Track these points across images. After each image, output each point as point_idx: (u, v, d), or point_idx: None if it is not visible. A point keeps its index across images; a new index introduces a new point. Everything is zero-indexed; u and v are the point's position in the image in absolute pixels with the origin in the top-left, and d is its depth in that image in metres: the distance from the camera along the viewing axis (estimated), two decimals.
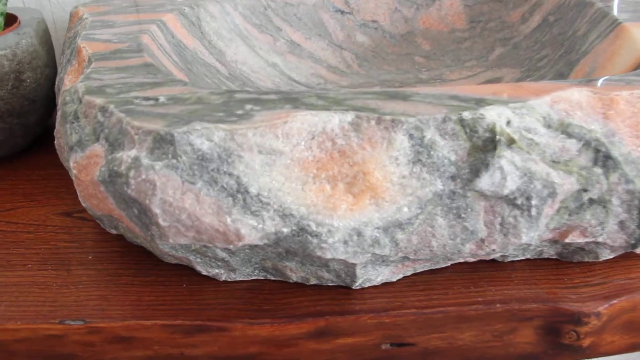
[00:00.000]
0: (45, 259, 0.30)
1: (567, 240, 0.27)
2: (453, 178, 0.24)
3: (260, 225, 0.23)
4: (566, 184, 0.24)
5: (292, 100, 0.25)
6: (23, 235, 0.32)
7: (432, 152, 0.23)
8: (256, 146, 0.23)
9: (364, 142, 0.23)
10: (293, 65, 0.40)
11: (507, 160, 0.23)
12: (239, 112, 0.24)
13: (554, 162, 0.24)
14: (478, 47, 0.41)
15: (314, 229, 0.23)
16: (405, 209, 0.24)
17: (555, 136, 0.24)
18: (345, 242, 0.24)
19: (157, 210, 0.23)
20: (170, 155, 0.23)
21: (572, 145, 0.24)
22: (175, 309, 0.27)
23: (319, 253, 0.24)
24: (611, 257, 0.28)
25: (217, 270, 0.28)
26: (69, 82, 0.32)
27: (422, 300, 0.27)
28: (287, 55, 0.41)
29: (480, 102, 0.24)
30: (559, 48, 0.37)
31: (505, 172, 0.23)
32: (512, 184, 0.24)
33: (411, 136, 0.23)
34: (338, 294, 0.28)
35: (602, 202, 0.25)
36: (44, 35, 0.39)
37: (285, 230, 0.23)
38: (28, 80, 0.36)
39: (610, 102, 0.25)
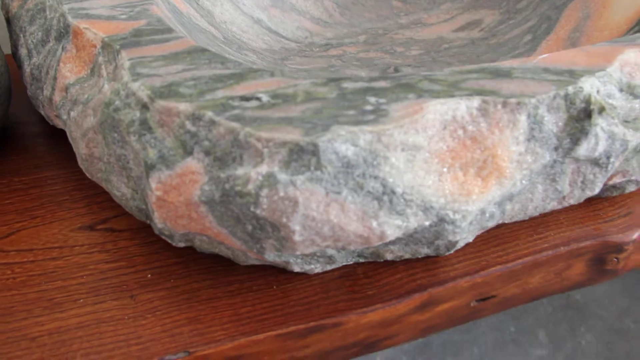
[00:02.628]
0: (95, 289, 0.26)
1: (610, 183, 0.30)
2: (556, 148, 0.25)
3: (405, 224, 0.23)
4: (634, 139, 0.27)
5: (406, 87, 0.23)
6: (49, 264, 0.27)
7: (542, 127, 0.24)
8: (400, 144, 0.22)
9: (492, 127, 0.23)
10: (278, 20, 0.37)
11: (600, 127, 0.25)
12: (368, 107, 0.22)
13: (626, 122, 0.27)
14: None
15: (452, 216, 0.23)
16: (519, 183, 0.25)
17: (626, 98, 0.27)
18: (471, 224, 0.24)
19: (296, 227, 0.21)
20: (312, 167, 0.21)
21: (637, 104, 0.27)
22: (280, 315, 0.26)
23: (450, 238, 0.24)
24: (634, 190, 0.33)
25: (312, 266, 0.26)
26: (72, 74, 0.27)
27: (501, 255, 0.29)
28: (271, 10, 0.37)
29: (573, 74, 0.25)
30: None
31: (599, 138, 0.25)
32: (601, 147, 0.26)
33: (529, 115, 0.24)
34: (427, 265, 0.28)
35: None
36: None
37: (427, 223, 0.23)
38: None
39: None
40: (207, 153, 0.22)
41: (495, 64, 0.25)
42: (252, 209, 0.21)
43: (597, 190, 0.28)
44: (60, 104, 0.27)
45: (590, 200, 0.33)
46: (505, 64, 0.26)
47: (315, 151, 0.21)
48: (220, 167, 0.21)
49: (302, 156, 0.21)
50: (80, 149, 0.26)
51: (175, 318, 0.25)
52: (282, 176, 0.21)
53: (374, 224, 0.22)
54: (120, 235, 0.28)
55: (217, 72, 0.24)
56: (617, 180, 0.30)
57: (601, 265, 0.31)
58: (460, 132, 0.23)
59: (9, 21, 0.32)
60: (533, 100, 0.23)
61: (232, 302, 0.26)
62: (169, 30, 0.26)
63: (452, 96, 0.23)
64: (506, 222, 0.27)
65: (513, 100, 0.23)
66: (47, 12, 0.29)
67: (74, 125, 0.26)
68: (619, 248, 0.31)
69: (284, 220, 0.21)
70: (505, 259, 0.29)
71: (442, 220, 0.23)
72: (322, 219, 0.22)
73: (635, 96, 0.27)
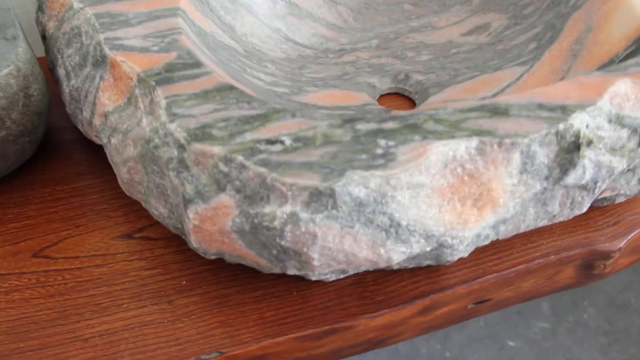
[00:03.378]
0: (137, 294, 0.30)
1: (600, 197, 0.33)
2: (546, 178, 0.28)
3: (409, 250, 0.26)
4: (620, 165, 0.30)
5: (413, 127, 0.26)
6: (95, 271, 0.30)
7: (534, 161, 0.27)
8: (406, 184, 0.25)
9: (488, 164, 0.26)
10: (295, 28, 0.40)
11: (587, 158, 0.28)
12: (379, 151, 0.25)
13: (613, 150, 0.29)
14: None
15: (450, 242, 0.27)
16: (512, 209, 0.28)
17: (614, 128, 0.29)
18: (467, 246, 0.28)
19: (315, 255, 0.25)
20: (330, 207, 0.24)
21: (624, 133, 0.30)
22: (300, 319, 0.29)
23: (449, 258, 0.28)
24: (623, 200, 0.35)
25: (327, 276, 0.30)
26: (111, 102, 0.29)
27: (497, 263, 0.32)
28: (288, 18, 0.39)
29: (565, 110, 0.28)
30: None
31: (586, 168, 0.28)
32: (588, 176, 0.29)
33: (522, 152, 0.26)
34: (429, 273, 0.32)
35: (633, 169, 0.32)
36: (23, 32, 0.33)
37: (428, 248, 0.26)
38: (35, 94, 0.31)
39: None
40: (238, 191, 0.25)
41: (494, 101, 0.28)
42: (277, 240, 0.25)
43: (585, 209, 0.31)
44: (101, 129, 0.30)
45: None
46: (503, 100, 0.28)
47: (332, 194, 0.24)
48: (249, 204, 0.25)
49: (320, 198, 0.24)
50: (122, 173, 0.29)
51: (208, 321, 0.29)
52: (304, 215, 0.24)
53: (382, 251, 0.25)
54: (156, 244, 0.32)
55: (244, 113, 0.26)
56: (607, 194, 0.33)
57: (589, 270, 0.35)
58: (459, 169, 0.26)
59: (44, 38, 0.35)
60: (526, 140, 0.26)
61: (258, 307, 0.30)
62: (198, 64, 0.29)
63: (453, 137, 0.26)
64: (500, 239, 0.30)
65: (508, 140, 0.26)
66: (83, 38, 0.31)
67: (115, 151, 0.29)
68: (606, 255, 0.34)
69: (305, 249, 0.25)
70: (500, 267, 0.32)
71: (441, 245, 0.26)
72: (338, 248, 0.25)
73: (623, 126, 0.30)
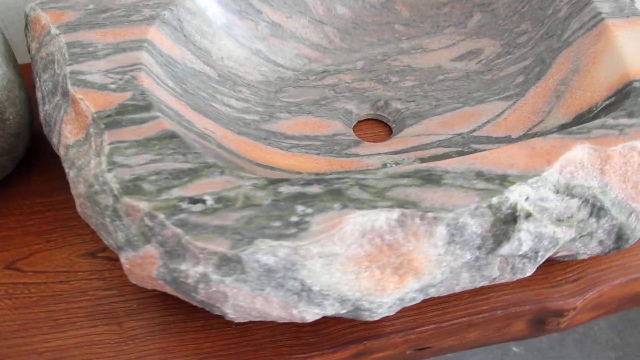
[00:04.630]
0: (91, 313, 0.32)
1: (556, 255, 0.32)
2: (479, 247, 0.27)
3: (323, 312, 0.27)
4: (567, 235, 0.29)
5: (336, 193, 0.26)
6: (58, 287, 0.33)
7: (463, 232, 0.27)
8: (317, 254, 0.25)
9: (409, 236, 0.26)
10: (277, 49, 0.39)
11: (524, 231, 0.27)
12: (294, 219, 0.25)
13: (559, 220, 0.28)
14: (456, 12, 0.41)
15: (367, 306, 0.27)
16: (439, 276, 0.28)
17: (561, 199, 0.28)
18: (390, 307, 0.28)
19: (228, 310, 0.26)
20: (239, 272, 0.25)
21: (574, 203, 0.28)
22: (234, 353, 0.31)
23: (368, 319, 0.28)
24: (586, 257, 0.34)
25: None
26: (72, 135, 0.31)
27: (438, 314, 0.32)
28: (270, 39, 0.39)
29: (504, 181, 0.27)
30: (539, 26, 0.38)
31: (522, 240, 0.27)
32: (526, 247, 0.28)
33: (448, 225, 0.26)
34: None
35: (589, 235, 0.30)
36: (6, 52, 0.35)
37: (343, 311, 0.27)
38: (11, 118, 0.33)
39: (607, 158, 0.29)
40: (161, 245, 0.26)
41: (431, 166, 0.27)
42: (193, 294, 0.26)
43: (529, 273, 0.30)
44: (64, 159, 0.32)
45: (544, 262, 0.35)
46: (441, 166, 0.27)
47: (239, 261, 0.25)
48: (169, 258, 0.26)
49: (229, 263, 0.25)
50: (77, 203, 0.31)
51: (150, 347, 0.31)
52: (214, 276, 0.25)
53: (295, 311, 0.26)
54: (116, 264, 0.34)
55: (177, 166, 0.27)
56: (563, 253, 0.32)
57: (542, 325, 0.34)
58: (378, 240, 0.26)
59: (30, 56, 0.37)
60: (451, 215, 0.26)
61: (197, 337, 0.31)
62: (148, 107, 0.30)
63: (375, 207, 0.26)
64: (435, 296, 0.30)
65: (430, 215, 0.26)
66: (56, 66, 0.33)
67: (72, 183, 0.31)
68: (559, 313, 0.33)
69: (219, 305, 0.26)
70: (442, 319, 0.32)
71: (358, 308, 0.27)
72: (250, 307, 0.26)
73: (573, 196, 0.28)
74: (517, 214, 0.27)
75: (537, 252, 0.29)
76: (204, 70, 0.36)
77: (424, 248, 0.26)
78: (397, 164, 0.35)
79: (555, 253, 0.32)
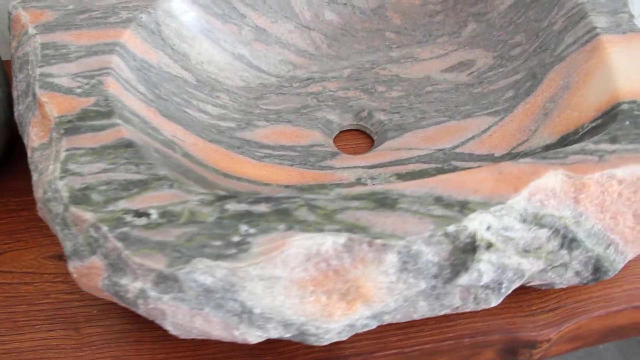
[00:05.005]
0: (51, 317, 0.32)
1: (528, 285, 0.30)
2: (435, 276, 0.26)
3: (265, 334, 0.26)
4: (534, 267, 0.27)
5: (283, 214, 0.25)
6: (22, 288, 0.33)
7: (417, 260, 0.25)
8: (257, 277, 0.24)
9: (356, 262, 0.25)
10: (260, 54, 0.39)
11: (484, 262, 0.26)
12: (236, 238, 0.24)
13: (525, 251, 0.27)
14: (450, 21, 0.40)
15: (313, 331, 0.26)
16: (392, 304, 0.26)
17: (528, 229, 0.26)
18: (339, 333, 0.27)
19: (169, 327, 0.25)
20: (176, 290, 0.24)
21: (543, 234, 0.27)
22: None
23: (316, 344, 0.27)
24: (565, 286, 0.32)
25: None
26: (37, 138, 0.31)
27: (402, 339, 0.31)
28: (254, 44, 0.39)
29: (464, 208, 0.25)
30: (534, 38, 0.36)
31: (482, 272, 0.26)
32: (487, 278, 0.26)
33: (399, 252, 0.25)
34: None
35: (563, 266, 0.29)
36: None
37: (287, 335, 0.26)
38: None
39: (582, 186, 0.27)
40: (105, 256, 0.26)
41: (388, 189, 0.26)
42: (133, 308, 0.25)
43: (495, 304, 0.28)
44: (30, 161, 0.32)
45: (520, 289, 0.33)
46: (398, 188, 0.26)
47: (176, 279, 0.24)
48: (112, 271, 0.25)
49: (167, 281, 0.24)
50: (37, 207, 0.31)
51: (105, 354, 0.31)
52: (152, 293, 0.24)
53: (236, 332, 0.26)
54: None
55: (128, 177, 0.27)
56: (536, 283, 0.30)
57: (513, 355, 0.32)
58: (323, 264, 0.25)
59: (11, 54, 0.37)
60: (401, 243, 0.24)
61: (153, 347, 0.31)
62: (110, 114, 0.29)
63: (321, 230, 0.25)
64: (393, 322, 0.29)
65: (379, 241, 0.24)
66: (29, 67, 0.33)
67: (34, 187, 0.31)
68: (531, 344, 0.31)
69: (159, 321, 0.25)
70: (404, 344, 0.31)
71: (303, 333, 0.26)
72: (189, 325, 0.25)
73: (542, 226, 0.27)
74: (477, 243, 0.25)
75: (500, 284, 0.27)
76: (181, 74, 0.36)
77: (373, 275, 0.25)
78: (372, 178, 0.34)
79: (528, 282, 0.30)
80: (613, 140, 0.29)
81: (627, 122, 0.29)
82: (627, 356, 0.68)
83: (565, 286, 0.31)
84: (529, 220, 0.26)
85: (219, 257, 0.24)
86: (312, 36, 0.40)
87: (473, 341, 0.31)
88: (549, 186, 0.27)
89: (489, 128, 0.35)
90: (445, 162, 0.34)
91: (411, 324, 0.31)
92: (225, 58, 0.38)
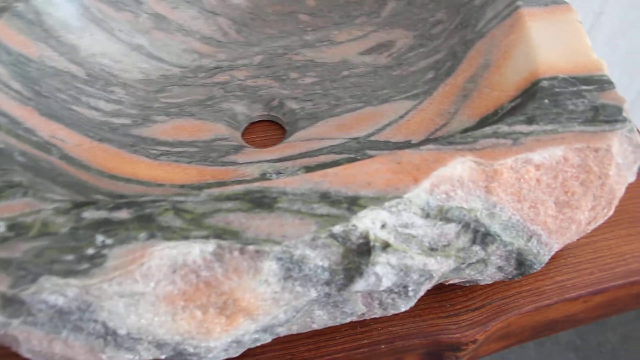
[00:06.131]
0: None
1: (448, 283, 0.28)
2: (327, 283, 0.23)
3: (137, 357, 0.23)
4: (444, 266, 0.24)
5: (146, 220, 0.22)
6: None
7: (303, 267, 0.22)
8: (116, 294, 0.21)
9: (229, 273, 0.22)
10: (161, 44, 0.35)
11: (381, 265, 0.23)
12: (90, 251, 0.21)
13: (431, 249, 0.24)
14: (369, 0, 0.36)
15: (192, 350, 0.23)
16: (282, 315, 0.23)
17: (433, 225, 0.23)
18: (226, 350, 0.24)
19: (28, 355, 0.22)
20: (25, 313, 0.21)
21: (451, 229, 0.24)
22: None
23: None
24: (490, 282, 0.29)
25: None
26: None
27: (311, 349, 0.28)
28: (153, 32, 0.35)
29: (354, 203, 0.22)
30: (455, 15, 0.34)
31: (381, 275, 0.23)
32: (388, 282, 0.23)
33: (279, 259, 0.22)
34: None
35: (482, 262, 0.26)
36: None
37: (163, 356, 0.23)
38: None
39: (493, 173, 0.24)
40: None
41: (265, 185, 0.23)
42: None
43: (405, 308, 0.26)
44: None
45: (443, 287, 0.30)
46: (279, 185, 0.23)
47: (22, 302, 0.21)
48: None
49: (12, 304, 0.21)
50: None
51: None
52: (0, 318, 0.21)
53: (104, 356, 0.22)
54: None
55: None
56: (455, 281, 0.28)
57: (439, 358, 0.30)
58: (192, 276, 0.22)
59: None
60: (278, 248, 0.21)
61: None
62: None
63: (187, 238, 0.21)
64: (293, 333, 0.26)
65: (252, 248, 0.21)
66: None
67: None
68: (455, 347, 0.29)
69: (15, 348, 0.22)
70: (314, 354, 0.28)
71: (180, 353, 0.23)
72: (49, 352, 0.22)
73: (448, 220, 0.24)
74: (372, 244, 0.22)
75: (405, 287, 0.24)
76: (68, 69, 0.32)
77: (251, 286, 0.22)
78: (278, 173, 0.31)
79: (447, 280, 0.27)
80: (530, 120, 0.26)
81: (546, 101, 0.27)
82: (583, 336, 0.66)
83: (490, 282, 0.29)
84: (432, 215, 0.23)
85: (69, 273, 0.21)
86: (219, 22, 0.36)
87: (391, 347, 0.28)
88: (455, 175, 0.24)
89: (407, 113, 0.32)
90: (359, 152, 0.31)
91: (323, 332, 0.29)
92: (121, 49, 0.34)
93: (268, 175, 0.31)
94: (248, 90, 0.35)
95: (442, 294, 0.30)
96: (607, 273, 0.30)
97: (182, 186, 0.30)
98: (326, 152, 0.31)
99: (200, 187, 0.30)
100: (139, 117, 0.33)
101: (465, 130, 0.30)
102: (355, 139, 0.32)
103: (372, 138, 0.32)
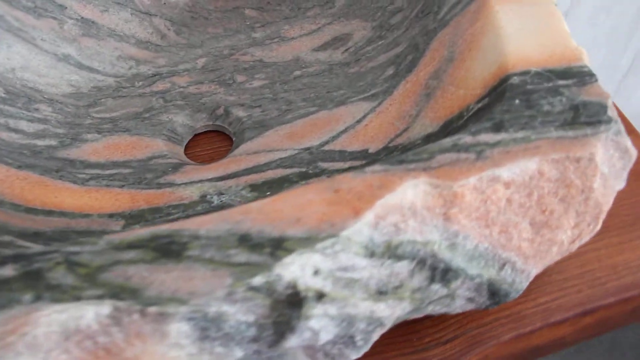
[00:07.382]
0: None
1: (411, 318, 0.24)
2: (255, 340, 0.20)
3: None
4: (397, 310, 0.21)
5: (33, 278, 0.19)
6: None
7: (222, 324, 0.19)
8: None
9: (131, 338, 0.18)
10: (92, 52, 0.31)
11: (317, 318, 0.19)
12: None
13: (380, 293, 0.20)
14: None
15: None
16: None
17: (380, 264, 0.20)
18: None
19: None
20: None
21: (403, 267, 0.20)
22: None
23: None
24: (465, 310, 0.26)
25: None
26: None
27: None
28: (82, 40, 0.31)
29: (278, 247, 0.19)
30: (416, 1, 0.29)
31: (317, 330, 0.19)
32: (327, 336, 0.20)
33: (190, 319, 0.18)
34: None
35: (448, 297, 0.22)
36: None
37: None
38: None
39: (453, 197, 0.20)
40: None
41: (176, 228, 0.19)
42: None
43: (356, 356, 0.22)
44: None
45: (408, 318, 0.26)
46: (191, 227, 0.19)
47: None
48: None
49: None
50: None
51: None
52: None
53: None
54: None
55: None
56: (420, 316, 0.24)
57: None
58: (89, 343, 0.18)
59: None
60: (183, 309, 0.18)
61: None
62: None
63: (79, 299, 0.18)
64: None
65: (153, 310, 0.18)
66: None
67: None
68: None
69: None
70: None
71: None
72: None
73: (399, 258, 0.20)
74: (303, 295, 0.19)
75: (352, 337, 0.20)
76: None
77: (160, 350, 0.19)
78: (220, 194, 0.27)
79: (410, 318, 0.23)
80: (497, 127, 0.22)
81: (517, 101, 0.23)
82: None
83: (459, 310, 0.25)
84: (379, 253, 0.20)
85: None
86: (155, 23, 0.32)
87: None
88: (406, 202, 0.20)
89: (364, 117, 0.28)
90: (311, 165, 0.27)
91: None
92: (45, 61, 0.31)
93: (209, 196, 0.27)
94: (190, 98, 0.31)
95: (408, 326, 0.26)
96: (597, 289, 0.27)
97: (111, 215, 0.26)
98: (274, 166, 0.28)
99: (132, 215, 0.26)
100: (67, 136, 0.29)
101: (428, 137, 0.25)
102: (307, 149, 0.28)
103: (326, 147, 0.28)
